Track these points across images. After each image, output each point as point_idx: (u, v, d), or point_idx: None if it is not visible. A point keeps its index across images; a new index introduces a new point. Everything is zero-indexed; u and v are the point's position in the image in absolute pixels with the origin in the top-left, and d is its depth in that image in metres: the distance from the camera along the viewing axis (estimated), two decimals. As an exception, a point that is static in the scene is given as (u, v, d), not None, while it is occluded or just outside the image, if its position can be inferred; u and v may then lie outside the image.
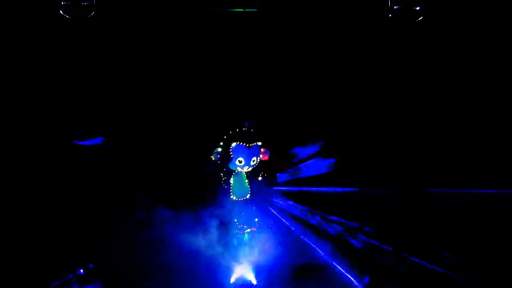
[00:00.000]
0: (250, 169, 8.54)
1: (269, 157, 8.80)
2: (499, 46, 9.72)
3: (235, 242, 8.08)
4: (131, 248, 7.61)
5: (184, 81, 11.44)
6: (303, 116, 11.47)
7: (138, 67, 10.98)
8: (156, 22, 10.60)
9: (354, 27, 10.60)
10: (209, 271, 7.52)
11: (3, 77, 9.80)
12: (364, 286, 7.59)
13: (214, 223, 8.13)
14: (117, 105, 10.69)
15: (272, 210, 8.73)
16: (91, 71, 10.36)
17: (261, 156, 8.63)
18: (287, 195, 9.18)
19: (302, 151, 9.38)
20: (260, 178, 8.68)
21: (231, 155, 8.52)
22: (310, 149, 9.28)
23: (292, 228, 8.85)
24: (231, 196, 8.33)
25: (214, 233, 8.11)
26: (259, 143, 8.72)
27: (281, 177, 9.38)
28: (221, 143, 8.74)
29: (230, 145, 8.51)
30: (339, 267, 7.79)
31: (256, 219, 8.27)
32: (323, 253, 8.23)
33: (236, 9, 10.29)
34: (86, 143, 10.15)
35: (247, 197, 8.27)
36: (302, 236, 8.70)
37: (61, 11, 8.68)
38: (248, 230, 8.10)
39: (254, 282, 7.63)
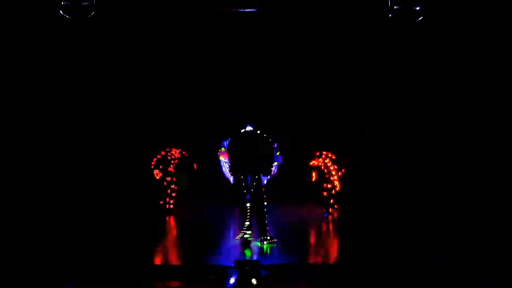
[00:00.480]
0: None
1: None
2: (499, 46, 9.72)
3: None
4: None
5: (184, 81, 11.46)
6: (303, 115, 11.50)
7: (138, 67, 11.00)
8: (156, 22, 10.61)
9: (354, 27, 10.61)
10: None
11: (3, 77, 9.80)
12: None
13: None
14: (116, 105, 10.72)
15: None
16: (91, 71, 10.37)
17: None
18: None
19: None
20: None
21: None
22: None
23: None
24: None
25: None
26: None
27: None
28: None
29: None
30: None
31: None
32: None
33: (236, 9, 10.28)
34: (86, 143, 10.17)
35: None
36: None
37: (61, 11, 8.67)
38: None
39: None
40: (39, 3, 9.34)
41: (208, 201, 10.60)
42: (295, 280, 6.39)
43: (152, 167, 9.77)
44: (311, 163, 9.91)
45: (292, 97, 11.59)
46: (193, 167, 10.04)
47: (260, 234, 7.64)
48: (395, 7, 9.25)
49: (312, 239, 8.25)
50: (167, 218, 9.50)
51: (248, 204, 7.73)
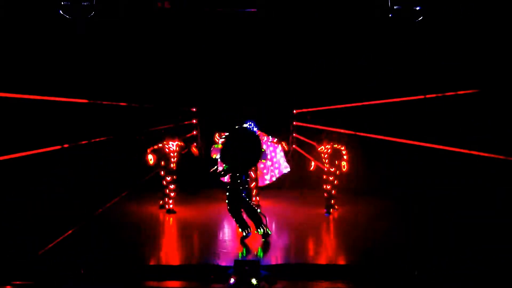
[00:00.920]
0: None
1: None
2: (499, 46, 9.72)
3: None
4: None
5: (184, 80, 11.47)
6: (303, 115, 11.51)
7: (138, 67, 11.01)
8: (156, 22, 10.62)
9: (354, 27, 10.61)
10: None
11: (3, 77, 9.80)
12: None
13: None
14: (117, 105, 10.71)
15: None
16: (91, 71, 10.37)
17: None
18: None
19: None
20: None
21: None
22: None
23: None
24: None
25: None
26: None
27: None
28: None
29: None
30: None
31: None
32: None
33: (236, 9, 10.30)
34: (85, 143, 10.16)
35: None
36: None
37: (61, 11, 8.68)
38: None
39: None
40: (39, 3, 9.35)
41: (208, 201, 10.63)
42: (295, 280, 6.41)
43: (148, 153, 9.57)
44: (318, 149, 9.67)
45: (292, 97, 11.61)
46: (192, 153, 9.85)
47: (256, 226, 7.83)
48: (395, 7, 9.27)
49: (312, 239, 8.24)
50: (167, 218, 9.49)
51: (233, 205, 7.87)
